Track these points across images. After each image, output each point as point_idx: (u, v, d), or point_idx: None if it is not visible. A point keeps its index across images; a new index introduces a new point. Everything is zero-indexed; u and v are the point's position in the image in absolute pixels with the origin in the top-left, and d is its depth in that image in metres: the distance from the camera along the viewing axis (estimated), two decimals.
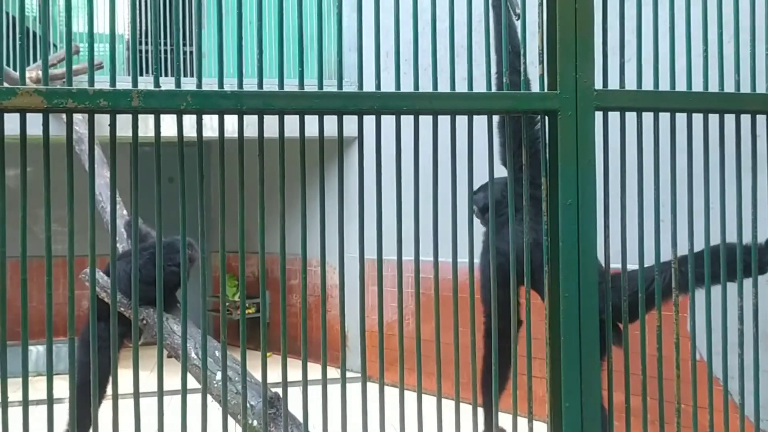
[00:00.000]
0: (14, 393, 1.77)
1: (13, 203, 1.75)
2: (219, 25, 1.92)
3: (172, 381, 2.05)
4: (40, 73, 5.49)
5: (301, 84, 1.88)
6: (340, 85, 1.91)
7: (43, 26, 1.76)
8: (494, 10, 2.43)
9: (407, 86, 1.97)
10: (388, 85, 1.96)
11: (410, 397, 1.96)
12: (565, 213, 1.99)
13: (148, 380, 2.06)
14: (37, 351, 6.69)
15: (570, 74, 1.99)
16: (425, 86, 1.98)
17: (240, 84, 1.86)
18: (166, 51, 7.30)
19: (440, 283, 2.02)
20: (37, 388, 1.93)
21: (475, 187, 2.15)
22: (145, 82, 1.80)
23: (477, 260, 2.34)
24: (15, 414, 1.81)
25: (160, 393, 1.93)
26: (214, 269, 8.60)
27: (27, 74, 5.45)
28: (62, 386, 1.89)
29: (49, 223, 1.83)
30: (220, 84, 1.83)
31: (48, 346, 1.91)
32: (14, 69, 5.67)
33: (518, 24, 2.16)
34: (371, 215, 1.97)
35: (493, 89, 2.18)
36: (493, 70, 2.17)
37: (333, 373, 2.32)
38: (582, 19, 2.00)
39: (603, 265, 2.24)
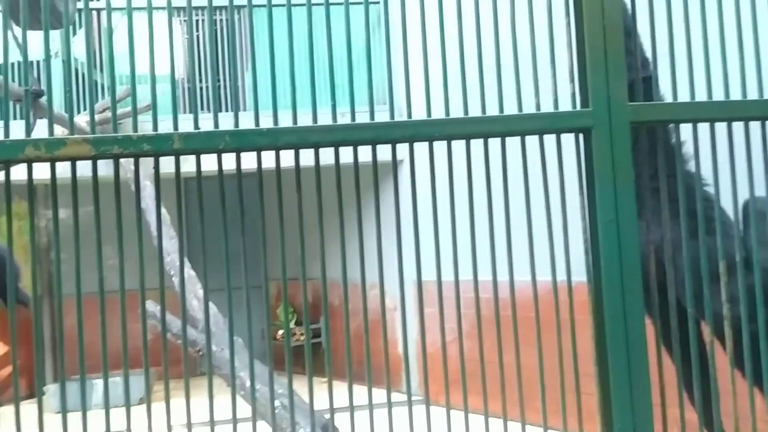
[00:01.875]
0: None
1: (81, 241, 1.85)
2: (254, 63, 2.00)
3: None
4: (99, 117, 5.68)
5: (334, 117, 1.93)
6: (372, 116, 1.95)
7: (89, 78, 1.87)
8: None
9: (439, 110, 2.00)
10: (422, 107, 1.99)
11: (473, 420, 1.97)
12: (605, 230, 1.97)
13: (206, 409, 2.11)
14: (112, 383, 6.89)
15: (602, 90, 1.99)
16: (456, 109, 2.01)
17: (275, 120, 1.93)
18: (207, 87, 7.53)
19: (483, 302, 2.03)
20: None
21: None
22: (189, 119, 1.89)
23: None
24: None
25: (212, 423, 1.99)
26: (271, 297, 8.75)
27: (84, 119, 5.68)
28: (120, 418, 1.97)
29: (101, 261, 1.91)
30: (257, 122, 1.90)
31: (104, 380, 1.97)
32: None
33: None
34: (410, 238, 2.00)
35: None
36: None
37: (390, 396, 2.32)
38: (611, 35, 1.99)
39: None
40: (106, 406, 1.96)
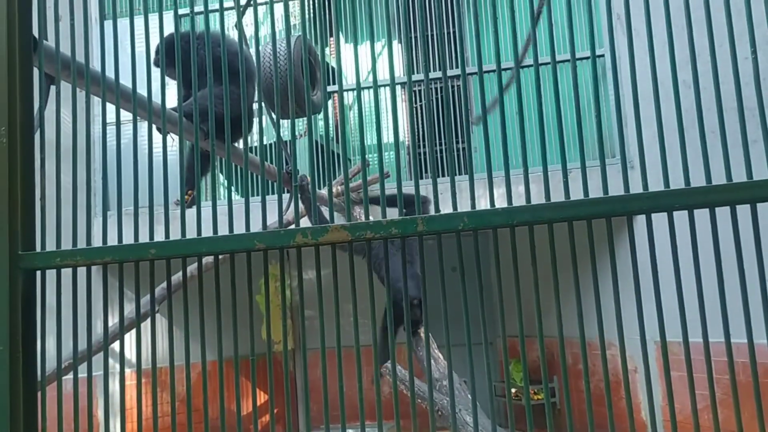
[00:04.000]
0: None
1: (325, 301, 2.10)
2: (468, 130, 2.13)
3: None
4: (337, 188, 6.28)
5: (567, 194, 1.98)
6: (605, 191, 1.97)
7: (329, 156, 2.13)
8: None
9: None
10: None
11: None
12: None
13: None
14: None
15: None
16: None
17: (509, 198, 2.03)
18: (441, 150, 7.91)
19: (738, 367, 1.91)
20: None
21: None
22: (425, 184, 2.07)
23: None
24: None
25: None
26: (499, 354, 8.73)
27: (334, 189, 6.25)
28: None
29: (357, 317, 2.14)
30: (492, 203, 2.01)
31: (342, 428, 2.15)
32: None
33: None
34: (649, 296, 1.96)
35: None
36: None
37: None
38: None
39: None
40: None
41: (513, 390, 8.03)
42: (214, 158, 2.27)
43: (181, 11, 6.58)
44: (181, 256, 2.17)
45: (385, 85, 6.98)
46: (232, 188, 7.93)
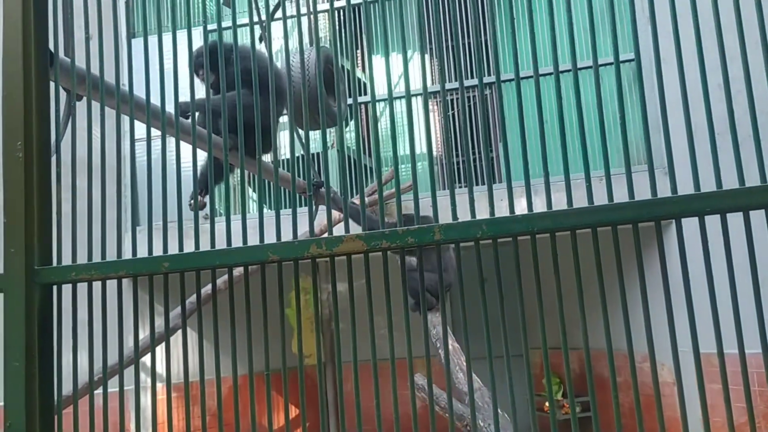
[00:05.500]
0: None
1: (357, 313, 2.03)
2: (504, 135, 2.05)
3: None
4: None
5: (590, 200, 1.89)
6: (631, 195, 1.88)
7: (359, 165, 2.07)
8: None
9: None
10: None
11: None
12: None
13: None
14: None
15: None
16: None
17: (529, 205, 1.95)
18: (461, 162, 7.81)
19: None
20: None
21: None
22: (443, 195, 1.99)
23: None
24: None
25: None
26: (534, 366, 8.57)
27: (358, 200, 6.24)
28: None
29: (373, 329, 2.07)
30: (511, 209, 1.93)
31: None
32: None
33: None
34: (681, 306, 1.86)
35: None
36: None
37: None
38: None
39: None
40: None
41: (546, 404, 7.84)
42: (227, 167, 2.23)
43: (210, 27, 6.63)
44: (195, 269, 2.13)
45: (400, 98, 6.95)
46: (252, 200, 7.94)
